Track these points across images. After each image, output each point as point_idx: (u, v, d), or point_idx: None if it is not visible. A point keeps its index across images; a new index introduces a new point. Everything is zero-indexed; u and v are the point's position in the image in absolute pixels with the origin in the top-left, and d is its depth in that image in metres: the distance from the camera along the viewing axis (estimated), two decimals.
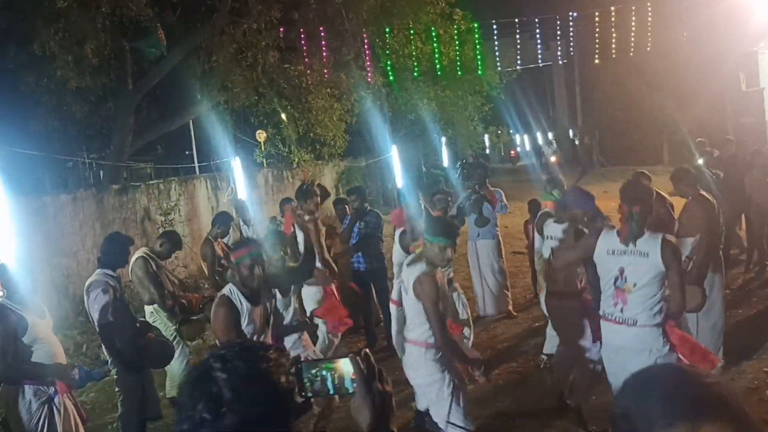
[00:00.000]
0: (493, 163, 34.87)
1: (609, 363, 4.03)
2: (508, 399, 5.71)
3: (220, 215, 7.92)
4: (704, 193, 5.83)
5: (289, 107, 14.39)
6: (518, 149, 41.94)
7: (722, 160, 10.01)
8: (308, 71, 13.91)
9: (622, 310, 3.84)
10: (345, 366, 1.54)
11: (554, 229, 5.30)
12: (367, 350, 1.57)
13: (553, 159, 24.04)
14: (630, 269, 3.79)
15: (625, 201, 3.83)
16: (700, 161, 10.76)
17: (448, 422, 3.85)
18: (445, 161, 26.59)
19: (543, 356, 6.14)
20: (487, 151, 34.51)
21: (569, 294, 5.01)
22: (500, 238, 8.21)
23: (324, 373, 1.55)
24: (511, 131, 42.64)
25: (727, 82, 20.54)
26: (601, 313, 4.04)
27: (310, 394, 1.55)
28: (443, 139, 25.28)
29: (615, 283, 3.87)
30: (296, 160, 15.27)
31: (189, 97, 13.28)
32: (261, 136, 16.71)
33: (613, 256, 3.86)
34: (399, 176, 20.55)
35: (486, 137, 30.23)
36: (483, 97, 22.41)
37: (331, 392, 1.55)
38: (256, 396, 1.38)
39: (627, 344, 3.82)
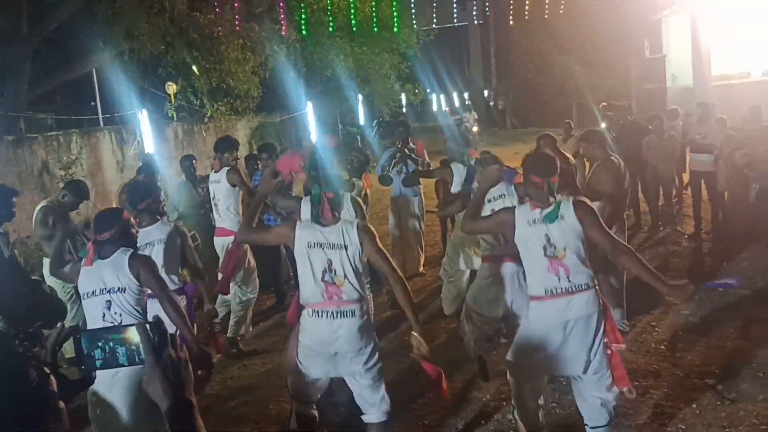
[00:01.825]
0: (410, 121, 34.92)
1: (556, 338, 3.67)
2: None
3: (145, 165, 7.63)
4: (613, 156, 5.99)
5: (200, 58, 13.89)
6: (452, 106, 41.61)
7: (622, 124, 10.42)
8: (219, 21, 13.43)
9: (568, 278, 3.64)
10: (134, 335, 1.47)
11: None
12: (159, 316, 1.52)
13: (475, 129, 24.10)
14: (555, 234, 3.66)
15: (541, 174, 3.71)
16: (603, 125, 11.20)
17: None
18: (362, 119, 26.47)
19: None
20: (404, 109, 34.51)
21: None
22: (422, 196, 8.26)
23: (112, 344, 1.48)
24: (428, 90, 42.65)
25: (632, 48, 21.31)
26: (539, 294, 3.71)
27: (97, 366, 1.48)
28: (360, 96, 25.11)
29: (545, 253, 3.67)
30: (210, 112, 14.80)
31: (91, 45, 12.56)
32: (171, 88, 16.06)
33: (535, 226, 3.70)
34: (314, 133, 20.36)
35: (403, 96, 30.21)
36: (400, 55, 22.35)
37: (125, 363, 1.48)
38: None
39: (582, 312, 3.64)
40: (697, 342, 5.62)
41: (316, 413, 4.04)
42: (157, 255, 4.50)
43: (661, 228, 9.49)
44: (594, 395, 3.77)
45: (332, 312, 3.67)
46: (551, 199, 3.70)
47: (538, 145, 7.51)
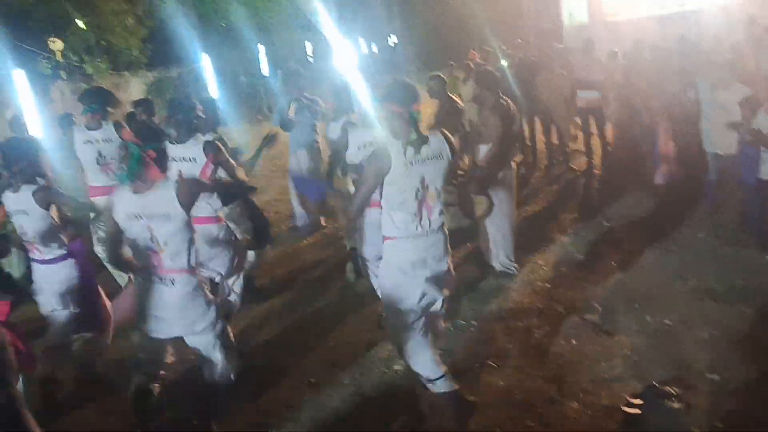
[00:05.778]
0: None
1: (403, 277, 3.50)
2: (308, 308, 5.74)
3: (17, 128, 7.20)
4: (503, 98, 5.89)
5: (75, 12, 12.98)
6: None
7: (517, 63, 10.47)
8: None
9: (430, 223, 3.45)
10: None
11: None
12: None
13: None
14: (428, 173, 3.39)
15: (400, 102, 3.40)
16: (504, 63, 11.23)
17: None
18: (266, 69, 25.75)
19: None
20: (310, 58, 33.75)
21: None
22: (321, 147, 8.03)
23: None
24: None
25: None
26: (393, 235, 3.47)
27: None
28: (261, 46, 24.37)
29: (417, 196, 3.39)
30: (90, 70, 13.94)
31: None
32: (55, 44, 15.09)
33: (413, 167, 3.36)
34: (213, 86, 19.65)
35: (307, 43, 29.54)
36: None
37: None
38: None
39: (434, 254, 3.49)
40: (581, 278, 5.75)
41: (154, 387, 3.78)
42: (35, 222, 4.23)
43: (555, 165, 9.66)
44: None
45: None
46: (413, 131, 3.38)
47: (428, 87, 7.47)
